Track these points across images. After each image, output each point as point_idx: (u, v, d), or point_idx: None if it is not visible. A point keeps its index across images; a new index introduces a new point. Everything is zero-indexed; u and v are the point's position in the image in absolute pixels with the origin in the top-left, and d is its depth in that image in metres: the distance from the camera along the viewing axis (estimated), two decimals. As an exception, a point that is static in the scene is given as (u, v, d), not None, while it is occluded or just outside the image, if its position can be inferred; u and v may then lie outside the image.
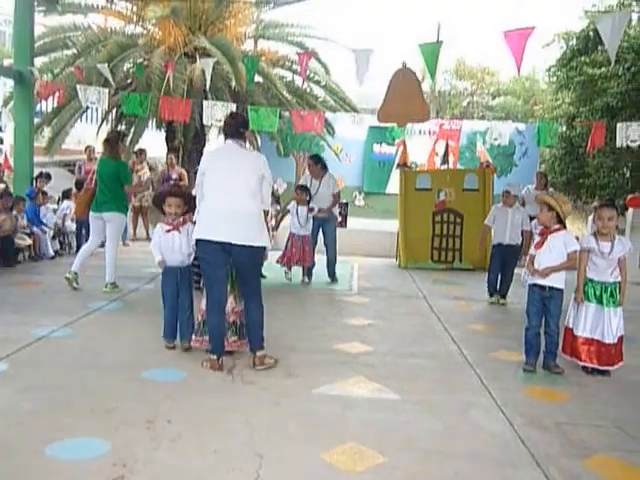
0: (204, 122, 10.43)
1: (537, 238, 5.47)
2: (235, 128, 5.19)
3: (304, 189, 9.00)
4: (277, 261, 8.97)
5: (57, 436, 3.66)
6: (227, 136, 5.23)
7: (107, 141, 8.10)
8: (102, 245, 8.13)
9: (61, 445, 3.56)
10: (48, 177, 10.67)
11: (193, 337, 5.43)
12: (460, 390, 4.89)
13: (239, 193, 4.96)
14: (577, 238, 5.62)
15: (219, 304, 5.10)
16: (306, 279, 9.10)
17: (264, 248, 5.11)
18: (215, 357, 5.01)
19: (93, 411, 4.05)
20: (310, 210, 8.90)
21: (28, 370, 4.81)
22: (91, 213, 7.93)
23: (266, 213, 5.25)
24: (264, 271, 8.47)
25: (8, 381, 4.56)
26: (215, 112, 9.94)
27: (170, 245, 5.48)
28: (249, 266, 5.10)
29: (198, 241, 5.00)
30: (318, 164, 9.09)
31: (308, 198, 8.95)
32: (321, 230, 9.26)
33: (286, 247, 9.07)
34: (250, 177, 5.01)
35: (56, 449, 3.50)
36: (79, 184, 10.77)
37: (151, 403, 4.23)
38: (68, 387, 4.48)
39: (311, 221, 9.00)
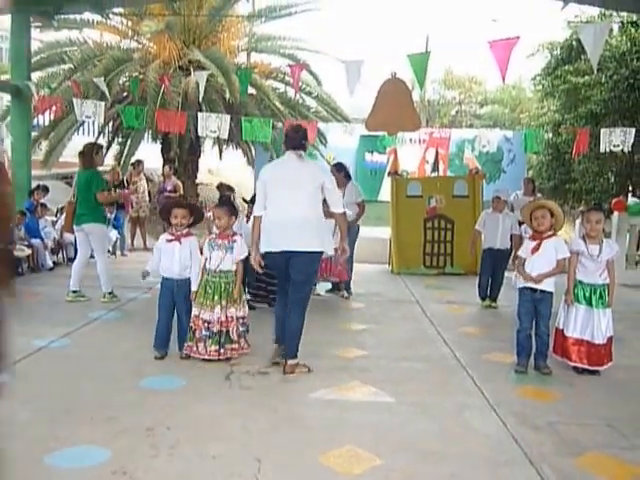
0: (199, 133, 10.40)
1: (531, 243, 5.46)
2: (298, 141, 5.30)
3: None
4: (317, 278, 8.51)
5: (57, 445, 3.62)
6: (289, 148, 5.31)
7: (82, 153, 7.87)
8: (92, 256, 8.03)
9: (61, 453, 3.53)
10: (46, 190, 10.63)
11: (185, 344, 5.40)
12: (454, 392, 4.87)
13: (297, 202, 5.09)
14: (565, 242, 5.63)
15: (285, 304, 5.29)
16: (345, 294, 8.57)
17: (320, 253, 5.20)
18: (277, 346, 5.41)
19: (92, 420, 4.02)
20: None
21: (28, 380, 4.75)
22: (74, 227, 7.81)
23: (343, 215, 5.46)
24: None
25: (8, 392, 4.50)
26: (210, 123, 9.92)
27: (170, 255, 5.45)
28: (302, 272, 5.14)
29: (265, 253, 5.20)
30: (341, 172, 8.35)
31: None
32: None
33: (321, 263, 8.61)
34: (308, 186, 5.14)
35: (56, 458, 3.47)
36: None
37: (150, 411, 4.20)
38: (68, 396, 4.45)
39: (338, 234, 8.51)
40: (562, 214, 5.46)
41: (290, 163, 5.27)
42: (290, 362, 5.16)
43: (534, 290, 5.39)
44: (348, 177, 8.55)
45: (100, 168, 8.09)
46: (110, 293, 7.74)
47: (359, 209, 8.54)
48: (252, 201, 8.23)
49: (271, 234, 5.13)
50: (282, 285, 5.38)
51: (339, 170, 8.34)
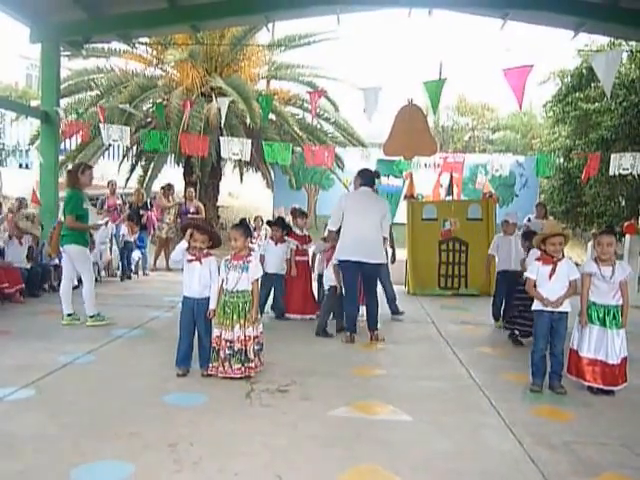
0: (222, 155, 10.46)
1: (545, 267, 5.41)
2: (371, 180, 7.19)
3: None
4: None
5: (82, 459, 3.61)
6: (363, 184, 7.11)
7: (68, 172, 7.56)
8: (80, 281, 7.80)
9: (86, 468, 3.51)
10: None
11: (210, 365, 5.39)
12: (470, 411, 4.82)
13: (368, 226, 6.81)
14: (577, 265, 5.61)
15: (353, 300, 7.12)
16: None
17: (381, 264, 7.08)
18: (349, 334, 7.00)
19: (117, 435, 4.01)
20: None
21: (54, 396, 4.77)
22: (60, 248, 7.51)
23: (385, 239, 7.10)
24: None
25: (35, 406, 4.52)
26: (232, 146, 9.97)
27: (190, 274, 5.47)
28: (372, 276, 7.09)
29: (341, 261, 6.97)
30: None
31: None
32: None
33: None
34: (376, 215, 6.88)
35: (81, 472, 3.45)
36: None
37: (173, 427, 4.18)
38: (92, 412, 4.44)
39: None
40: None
41: (364, 196, 7.06)
42: (376, 332, 7.08)
43: (552, 312, 5.35)
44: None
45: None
46: (92, 317, 7.34)
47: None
48: (275, 224, 8.24)
49: (348, 247, 6.84)
50: (351, 287, 7.04)
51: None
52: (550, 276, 5.35)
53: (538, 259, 5.53)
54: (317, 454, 3.84)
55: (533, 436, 4.27)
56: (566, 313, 5.37)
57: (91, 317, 7.32)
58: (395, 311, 8.66)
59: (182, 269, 5.57)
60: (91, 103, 14.80)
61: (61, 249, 7.46)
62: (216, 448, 3.85)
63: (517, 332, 7.21)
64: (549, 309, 5.35)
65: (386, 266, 8.49)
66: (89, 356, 5.96)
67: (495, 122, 34.65)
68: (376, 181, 7.42)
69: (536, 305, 5.46)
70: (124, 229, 11.42)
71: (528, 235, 7.13)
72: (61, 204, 10.89)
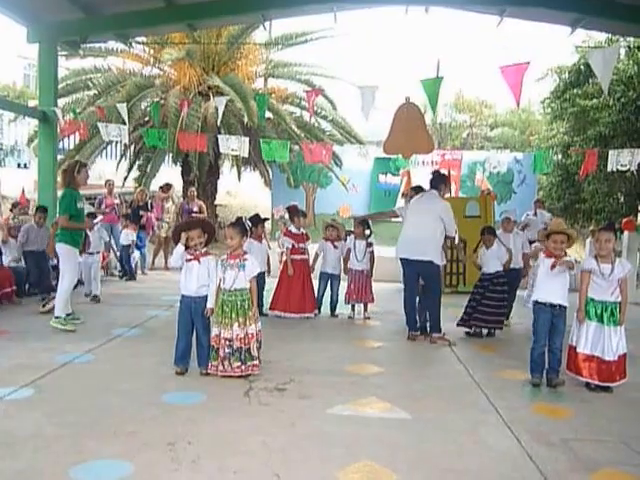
0: (221, 150, 10.43)
1: (548, 260, 5.43)
2: (436, 184, 7.26)
3: (363, 223, 8.48)
4: (345, 301, 8.44)
5: (81, 458, 3.62)
6: (431, 186, 7.29)
7: (64, 171, 7.34)
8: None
9: (85, 467, 3.52)
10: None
11: (209, 364, 5.40)
12: (468, 409, 4.83)
13: (424, 226, 7.00)
14: (577, 261, 5.61)
15: (412, 298, 7.29)
16: (367, 315, 8.45)
17: (433, 262, 7.02)
18: (409, 332, 7.24)
19: (115, 434, 4.01)
20: (369, 245, 8.39)
21: (53, 395, 4.78)
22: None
23: (451, 238, 7.49)
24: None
25: (34, 406, 4.52)
26: (230, 143, 9.96)
27: (188, 273, 5.48)
28: (428, 274, 7.12)
29: (399, 258, 7.25)
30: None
31: (369, 232, 8.44)
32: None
33: (348, 284, 8.45)
34: (433, 216, 7.01)
35: (80, 471, 3.46)
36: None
37: (171, 425, 4.19)
38: (91, 411, 4.45)
39: (369, 255, 8.40)
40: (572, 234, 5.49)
41: (427, 198, 7.27)
42: (434, 335, 7.08)
43: (554, 306, 5.37)
44: None
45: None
46: (58, 318, 7.07)
47: None
48: (255, 222, 8.20)
49: (402, 245, 7.17)
50: (411, 285, 7.28)
51: (418, 193, 7.93)
52: (552, 268, 5.37)
53: (544, 252, 5.57)
54: (315, 452, 3.84)
55: (531, 433, 4.28)
56: (565, 308, 5.40)
57: (56, 318, 7.07)
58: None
59: (181, 268, 5.58)
60: (89, 102, 14.77)
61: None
62: (215, 447, 3.86)
63: (472, 330, 7.47)
64: (550, 301, 5.38)
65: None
66: (88, 355, 5.96)
67: (493, 119, 34.62)
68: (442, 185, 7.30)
69: (537, 298, 5.48)
70: (123, 232, 11.42)
71: (490, 231, 7.63)
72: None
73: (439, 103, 8.57)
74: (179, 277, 5.59)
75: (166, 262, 12.70)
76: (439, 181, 7.32)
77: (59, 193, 11.56)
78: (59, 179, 9.42)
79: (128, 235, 11.39)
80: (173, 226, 12.52)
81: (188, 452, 3.76)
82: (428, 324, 7.29)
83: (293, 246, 8.33)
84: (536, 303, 5.51)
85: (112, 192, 12.23)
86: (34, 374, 5.21)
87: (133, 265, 11.58)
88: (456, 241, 8.26)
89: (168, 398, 4.79)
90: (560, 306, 5.40)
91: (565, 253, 5.50)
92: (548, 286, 5.42)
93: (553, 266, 5.34)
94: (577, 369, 5.42)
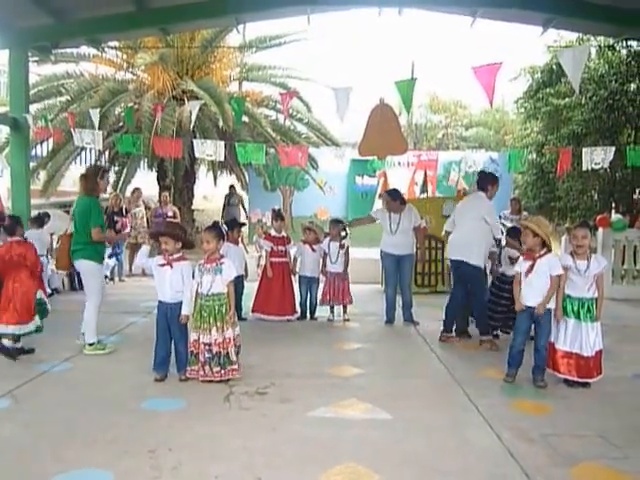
0: (196, 155, 10.39)
1: (526, 263, 5.46)
2: (485, 184, 7.12)
3: (337, 223, 8.52)
4: (320, 302, 8.41)
5: (61, 468, 3.59)
6: (478, 187, 7.22)
7: (84, 177, 6.60)
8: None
9: (65, 477, 3.49)
10: (47, 216, 10.54)
11: (187, 368, 5.39)
12: (450, 407, 4.86)
13: (469, 227, 6.91)
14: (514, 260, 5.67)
15: (457, 299, 7.15)
16: (347, 317, 8.38)
17: (474, 265, 6.86)
18: (446, 333, 7.19)
19: (95, 442, 3.98)
20: (341, 246, 8.32)
21: (31, 405, 4.73)
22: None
23: (496, 239, 7.20)
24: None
25: (11, 416, 4.47)
26: (206, 148, 9.92)
27: (161, 279, 5.47)
28: (469, 276, 6.96)
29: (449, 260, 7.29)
30: (396, 200, 8.11)
31: (344, 234, 8.46)
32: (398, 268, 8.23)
33: (324, 286, 8.40)
34: (477, 217, 6.91)
35: (61, 481, 3.43)
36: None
37: (152, 432, 4.17)
38: (70, 420, 4.41)
39: (343, 257, 8.35)
40: (546, 233, 5.40)
41: (473, 199, 7.27)
42: (484, 338, 6.94)
43: (531, 307, 5.41)
44: (404, 203, 8.21)
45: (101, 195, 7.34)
46: (92, 344, 6.37)
47: (417, 233, 8.27)
48: (231, 226, 8.17)
49: (453, 248, 7.10)
50: (456, 285, 7.27)
51: (394, 198, 8.12)
52: (527, 272, 5.41)
53: (524, 255, 5.61)
54: (297, 455, 3.85)
55: (512, 430, 4.32)
56: (548, 310, 5.41)
57: (90, 345, 6.36)
58: (409, 319, 8.21)
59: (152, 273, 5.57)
60: (61, 109, 14.61)
61: (73, 263, 6.59)
62: (195, 452, 3.84)
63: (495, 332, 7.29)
64: (529, 304, 5.41)
65: (411, 265, 8.37)
66: (66, 364, 5.91)
67: (468, 119, 34.94)
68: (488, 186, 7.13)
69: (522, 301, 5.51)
70: None
71: (515, 233, 6.95)
72: (33, 211, 10.82)
73: (414, 104, 8.64)
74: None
75: (142, 268, 12.59)
76: (486, 181, 7.19)
77: (33, 201, 11.48)
78: (34, 187, 9.29)
79: None
80: (143, 231, 12.48)
81: (169, 458, 3.74)
82: (472, 327, 7.36)
83: (272, 249, 8.33)
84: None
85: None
86: (11, 384, 5.15)
87: (109, 272, 11.47)
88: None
89: (148, 405, 4.77)
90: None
91: (548, 250, 5.45)
92: (525, 289, 5.45)
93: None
94: (555, 365, 5.47)
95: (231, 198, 17.11)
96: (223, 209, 17.23)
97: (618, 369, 5.91)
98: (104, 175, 6.70)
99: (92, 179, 6.53)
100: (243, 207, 17.42)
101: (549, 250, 5.42)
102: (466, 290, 7.08)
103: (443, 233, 7.71)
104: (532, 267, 5.39)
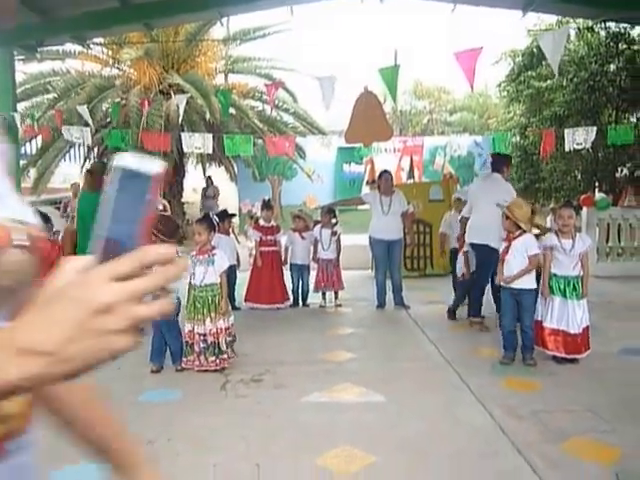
0: (185, 149, 10.33)
1: (503, 244, 5.54)
2: (496, 166, 7.15)
3: (330, 211, 8.53)
4: (314, 289, 8.44)
5: (58, 465, 3.56)
6: (493, 170, 7.19)
7: (90, 172, 6.72)
8: None
9: (62, 473, 3.47)
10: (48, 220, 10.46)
11: (183, 359, 5.39)
12: (441, 388, 4.89)
13: (489, 210, 6.50)
14: (537, 237, 5.68)
15: (482, 283, 6.93)
16: (338, 302, 8.43)
17: (489, 246, 6.53)
18: (474, 317, 6.92)
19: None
20: (333, 233, 8.33)
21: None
22: None
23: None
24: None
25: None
26: (194, 141, 9.88)
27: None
28: (481, 258, 6.81)
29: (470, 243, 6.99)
30: (388, 181, 8.14)
31: (335, 221, 8.48)
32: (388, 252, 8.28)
33: (317, 273, 8.40)
34: (497, 197, 6.45)
35: (57, 477, 3.42)
36: None
37: (150, 424, 4.17)
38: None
39: (335, 244, 8.38)
40: (515, 210, 5.48)
41: (490, 180, 7.13)
42: (475, 319, 6.88)
43: (512, 288, 5.45)
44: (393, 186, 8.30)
45: None
46: None
47: (407, 218, 8.34)
48: (222, 217, 8.14)
49: (471, 229, 6.87)
50: (478, 268, 6.97)
51: (387, 180, 8.15)
52: (503, 253, 5.49)
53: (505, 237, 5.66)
54: (294, 440, 3.86)
55: (502, 408, 4.35)
56: (529, 290, 5.45)
57: None
58: (400, 302, 8.20)
59: None
60: (48, 106, 14.51)
61: None
62: (194, 442, 3.85)
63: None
64: (510, 285, 5.46)
65: (400, 249, 8.44)
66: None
67: (452, 104, 34.90)
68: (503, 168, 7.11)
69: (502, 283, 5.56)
70: None
71: None
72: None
73: (398, 91, 8.59)
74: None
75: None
76: (501, 163, 7.13)
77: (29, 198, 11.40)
78: (25, 185, 9.20)
79: None
80: None
81: (167, 449, 3.74)
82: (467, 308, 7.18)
83: (261, 239, 8.32)
84: (501, 285, 5.62)
85: (78, 195, 12.04)
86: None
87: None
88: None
89: (145, 396, 4.77)
90: (520, 289, 5.46)
91: (524, 231, 5.50)
92: (504, 269, 5.52)
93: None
94: (544, 343, 5.51)
95: (207, 190, 17.08)
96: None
97: (605, 345, 5.95)
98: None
99: (99, 175, 6.52)
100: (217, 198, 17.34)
101: (524, 231, 5.47)
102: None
103: (459, 218, 7.45)
104: (508, 249, 5.45)
